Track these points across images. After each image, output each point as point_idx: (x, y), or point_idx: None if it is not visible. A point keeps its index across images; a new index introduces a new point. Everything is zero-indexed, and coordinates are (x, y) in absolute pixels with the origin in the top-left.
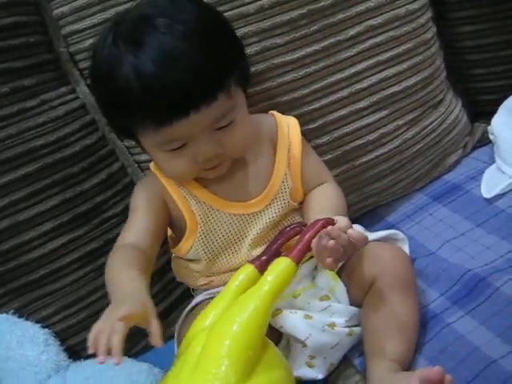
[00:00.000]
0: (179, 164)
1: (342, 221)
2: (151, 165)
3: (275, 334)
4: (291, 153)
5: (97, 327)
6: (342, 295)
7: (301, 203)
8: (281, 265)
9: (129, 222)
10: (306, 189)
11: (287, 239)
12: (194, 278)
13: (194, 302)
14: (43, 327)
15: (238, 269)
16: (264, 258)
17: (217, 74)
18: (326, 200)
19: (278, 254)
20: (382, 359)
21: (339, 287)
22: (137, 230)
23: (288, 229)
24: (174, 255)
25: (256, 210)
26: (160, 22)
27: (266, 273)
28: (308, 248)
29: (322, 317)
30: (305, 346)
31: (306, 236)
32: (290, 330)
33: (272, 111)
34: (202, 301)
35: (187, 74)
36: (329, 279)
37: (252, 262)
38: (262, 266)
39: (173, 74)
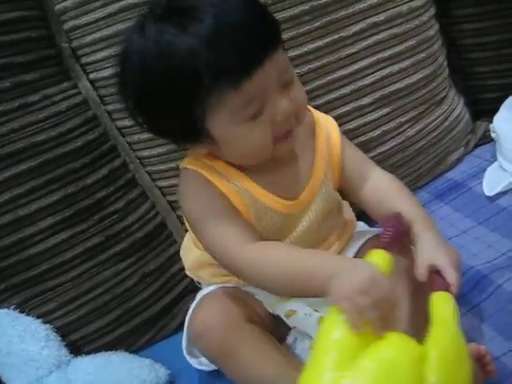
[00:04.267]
0: (259, 133)
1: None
2: (189, 168)
3: (283, 329)
4: (330, 145)
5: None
6: None
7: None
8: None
9: (220, 232)
10: (353, 181)
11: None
12: (212, 275)
13: (205, 292)
14: (44, 322)
15: None
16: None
17: (276, 23)
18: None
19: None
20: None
21: None
22: (239, 231)
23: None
24: (192, 246)
25: (301, 207)
26: None
27: None
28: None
29: None
30: None
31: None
32: (303, 331)
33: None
34: (214, 290)
35: (256, 21)
36: None
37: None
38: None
39: (242, 23)
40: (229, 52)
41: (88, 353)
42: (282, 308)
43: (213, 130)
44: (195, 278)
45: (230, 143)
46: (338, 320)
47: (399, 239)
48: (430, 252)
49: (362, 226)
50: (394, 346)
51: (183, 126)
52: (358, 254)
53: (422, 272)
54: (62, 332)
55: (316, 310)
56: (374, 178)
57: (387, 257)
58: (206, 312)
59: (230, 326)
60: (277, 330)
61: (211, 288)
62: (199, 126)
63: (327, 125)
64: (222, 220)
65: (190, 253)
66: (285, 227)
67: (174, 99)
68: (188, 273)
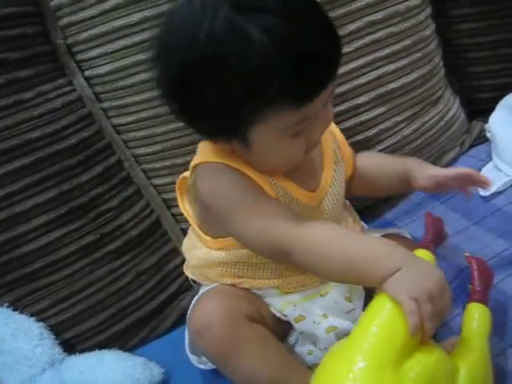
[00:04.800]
0: (297, 148)
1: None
2: (210, 161)
3: (284, 327)
4: (335, 136)
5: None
6: (358, 295)
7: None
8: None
9: (262, 214)
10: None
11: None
12: (221, 275)
13: (205, 289)
14: (38, 321)
15: (282, 275)
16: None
17: (341, 44)
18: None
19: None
20: None
21: (356, 289)
22: (283, 210)
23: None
24: (197, 244)
25: (320, 198)
26: None
27: None
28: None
29: (345, 327)
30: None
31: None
32: (310, 337)
33: None
34: (215, 287)
35: (336, 46)
36: None
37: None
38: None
39: (322, 45)
40: (307, 73)
41: (81, 351)
42: (291, 312)
43: (253, 137)
44: (194, 278)
45: (265, 153)
46: (396, 316)
47: (438, 238)
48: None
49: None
50: (437, 357)
51: (223, 124)
52: None
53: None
54: (56, 330)
55: (325, 315)
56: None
57: (431, 256)
58: (206, 308)
59: (230, 323)
60: (278, 329)
61: (213, 284)
62: (241, 129)
63: None
64: (260, 201)
65: (196, 251)
66: None
67: (228, 95)
68: (188, 271)
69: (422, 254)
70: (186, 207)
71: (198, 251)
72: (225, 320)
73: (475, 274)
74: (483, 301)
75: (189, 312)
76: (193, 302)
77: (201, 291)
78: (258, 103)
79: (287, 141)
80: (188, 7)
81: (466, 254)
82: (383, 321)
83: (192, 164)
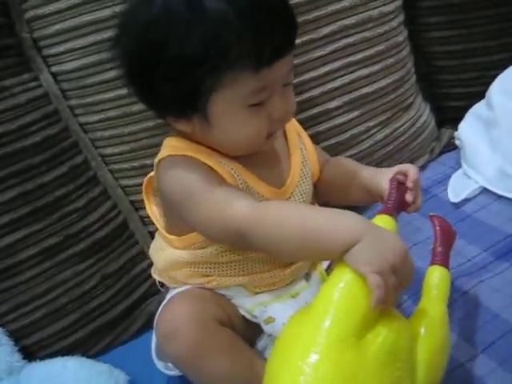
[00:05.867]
0: (256, 123)
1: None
2: (173, 154)
3: (253, 330)
4: (302, 138)
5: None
6: None
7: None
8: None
9: (218, 199)
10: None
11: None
12: (189, 275)
13: (175, 292)
14: None
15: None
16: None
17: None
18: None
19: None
20: None
21: None
22: (238, 194)
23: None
24: (164, 246)
25: (287, 195)
26: None
27: None
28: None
29: None
30: None
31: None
32: None
33: None
34: (183, 290)
35: (290, 10)
36: (319, 280)
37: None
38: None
39: (280, 8)
40: (263, 34)
41: (43, 358)
42: (260, 314)
43: (213, 107)
44: (162, 280)
45: (226, 126)
46: (357, 288)
47: (402, 204)
48: (382, 173)
49: None
50: (398, 327)
51: (184, 94)
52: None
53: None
54: (15, 336)
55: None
56: (329, 159)
57: (394, 222)
58: (174, 312)
59: (199, 327)
60: (247, 332)
61: (181, 288)
62: (202, 97)
63: (294, 121)
64: (219, 188)
65: (163, 253)
66: None
67: (188, 60)
68: (155, 274)
69: (383, 219)
70: (153, 210)
71: (165, 253)
72: (193, 324)
73: (437, 233)
74: (444, 263)
75: (156, 316)
76: (161, 306)
77: (168, 295)
78: (215, 66)
79: (247, 113)
80: None
81: (431, 213)
82: (344, 293)
83: (156, 160)
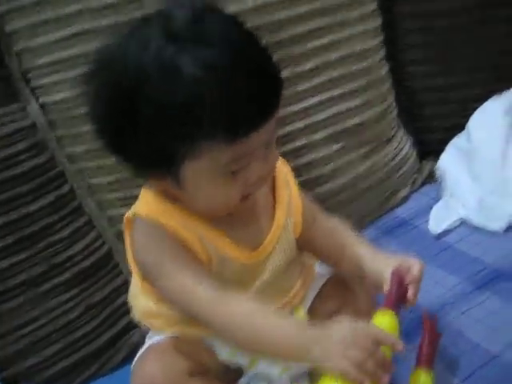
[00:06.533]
0: (231, 190)
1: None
2: (147, 218)
3: (235, 373)
4: (290, 188)
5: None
6: None
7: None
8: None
9: (188, 284)
10: (304, 224)
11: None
12: (169, 324)
13: (150, 342)
14: None
15: None
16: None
17: (281, 79)
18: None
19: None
20: None
21: None
22: (208, 283)
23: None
24: (139, 295)
25: (265, 254)
26: (221, 23)
27: None
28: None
29: (298, 367)
30: None
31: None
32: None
33: None
34: (159, 341)
35: (273, 78)
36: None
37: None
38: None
39: (261, 79)
40: (239, 105)
41: None
42: (243, 358)
43: (186, 173)
44: (142, 323)
45: (197, 192)
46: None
47: (402, 297)
48: (383, 260)
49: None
50: None
51: (155, 158)
52: (318, 297)
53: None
54: None
55: None
56: (320, 218)
57: (396, 318)
58: (147, 370)
59: (174, 380)
60: (228, 376)
61: (158, 337)
62: (174, 163)
63: (284, 169)
64: (185, 268)
65: (139, 302)
66: (247, 278)
67: (159, 127)
68: (135, 316)
69: (388, 315)
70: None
71: (141, 303)
72: (167, 380)
73: (426, 338)
74: (429, 365)
75: (133, 364)
76: (139, 352)
77: (148, 339)
78: (187, 135)
79: (221, 180)
80: (131, 31)
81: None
82: None
83: (130, 212)
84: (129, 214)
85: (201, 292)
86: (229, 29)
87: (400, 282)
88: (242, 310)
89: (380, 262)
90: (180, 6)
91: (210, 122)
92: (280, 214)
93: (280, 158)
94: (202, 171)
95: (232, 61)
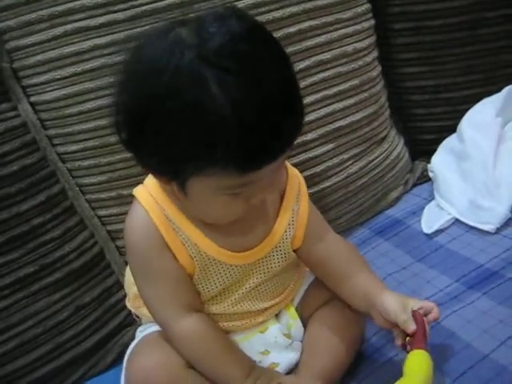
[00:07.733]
0: (235, 208)
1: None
2: (142, 205)
3: None
4: (300, 201)
5: None
6: (297, 333)
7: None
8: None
9: (158, 291)
10: (309, 240)
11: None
12: None
13: (142, 335)
14: None
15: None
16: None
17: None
18: (355, 258)
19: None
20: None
21: (296, 325)
22: (176, 295)
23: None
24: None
25: (256, 258)
26: (258, 48)
27: None
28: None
29: (286, 361)
30: None
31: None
32: None
33: None
34: (153, 334)
35: (298, 116)
36: (288, 317)
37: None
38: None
39: (286, 118)
40: (260, 144)
41: None
42: None
43: (191, 187)
44: (135, 312)
45: (200, 204)
46: None
47: (426, 335)
48: (400, 301)
49: None
50: None
51: (165, 168)
52: (307, 293)
53: (404, 320)
54: None
55: (267, 351)
56: (328, 238)
57: (429, 357)
58: (143, 362)
59: (171, 373)
60: None
61: (151, 330)
62: (181, 177)
63: (299, 181)
64: (162, 282)
65: (131, 290)
66: (234, 281)
67: (175, 144)
68: (129, 305)
69: (424, 355)
70: None
71: (132, 291)
72: (162, 373)
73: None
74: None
75: (126, 358)
76: (131, 345)
77: (139, 333)
78: (201, 160)
79: (225, 199)
80: (160, 41)
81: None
82: None
83: (136, 189)
84: (135, 190)
85: (167, 305)
86: (267, 64)
87: (423, 322)
88: (195, 335)
89: (401, 302)
90: (218, 26)
91: (227, 157)
92: (283, 223)
93: (294, 168)
94: (207, 188)
95: (261, 104)
